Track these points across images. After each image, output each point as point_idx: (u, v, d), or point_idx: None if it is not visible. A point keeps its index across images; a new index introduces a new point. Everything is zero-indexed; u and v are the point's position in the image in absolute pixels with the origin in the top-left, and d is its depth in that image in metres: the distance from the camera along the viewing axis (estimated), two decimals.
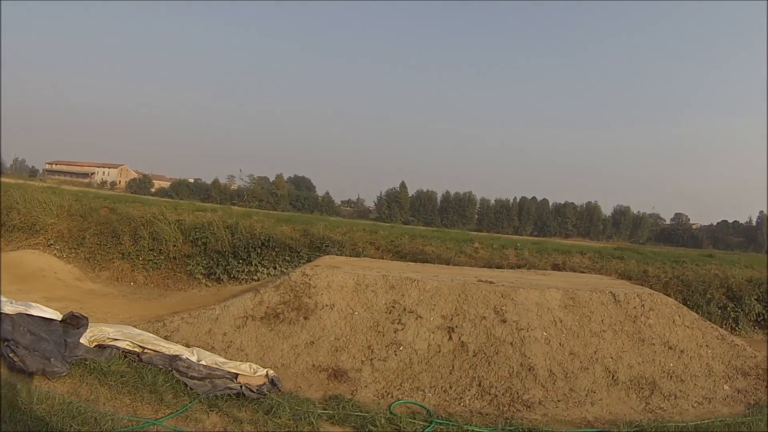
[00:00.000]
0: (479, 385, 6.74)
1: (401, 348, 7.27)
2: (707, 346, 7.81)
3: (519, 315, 7.52)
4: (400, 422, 5.82)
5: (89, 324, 6.50)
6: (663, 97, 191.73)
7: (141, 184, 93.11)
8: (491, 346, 7.18)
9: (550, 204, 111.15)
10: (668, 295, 11.69)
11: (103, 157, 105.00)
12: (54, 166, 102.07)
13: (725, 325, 12.08)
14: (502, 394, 6.63)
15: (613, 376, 7.10)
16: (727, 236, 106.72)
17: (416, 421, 5.92)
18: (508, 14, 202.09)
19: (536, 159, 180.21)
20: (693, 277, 12.90)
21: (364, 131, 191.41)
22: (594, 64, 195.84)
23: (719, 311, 12.40)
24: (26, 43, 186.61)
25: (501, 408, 6.46)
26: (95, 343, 6.46)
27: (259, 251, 12.98)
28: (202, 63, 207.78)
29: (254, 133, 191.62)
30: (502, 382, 6.76)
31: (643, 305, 8.02)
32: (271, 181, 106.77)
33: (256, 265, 12.90)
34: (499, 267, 11.75)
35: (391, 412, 6.12)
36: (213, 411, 5.67)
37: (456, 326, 7.42)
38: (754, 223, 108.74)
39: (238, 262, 13.01)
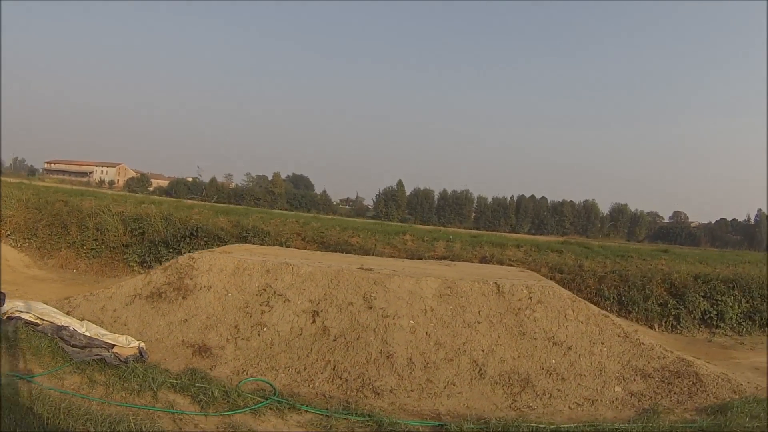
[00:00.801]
0: (333, 369, 6.79)
1: (265, 329, 7.47)
2: (603, 343, 7.49)
3: (388, 302, 7.52)
4: (236, 396, 5.95)
5: (6, 300, 7.64)
6: (662, 96, 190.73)
7: (139, 183, 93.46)
8: (353, 331, 7.22)
9: (549, 202, 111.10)
10: (603, 290, 11.89)
11: (104, 157, 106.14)
12: (53, 165, 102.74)
13: (665, 322, 11.96)
14: (354, 380, 6.66)
15: (480, 370, 6.92)
16: (726, 234, 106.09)
17: (252, 396, 6.03)
18: (508, 14, 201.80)
19: (535, 158, 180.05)
20: (635, 272, 12.77)
21: (363, 130, 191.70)
22: (593, 64, 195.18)
23: (659, 308, 12.18)
24: (26, 43, 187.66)
25: (349, 393, 6.48)
26: (6, 315, 7.38)
27: (188, 240, 13.30)
28: (202, 62, 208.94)
29: (254, 132, 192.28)
30: (357, 368, 6.78)
31: (530, 297, 7.79)
32: (269, 180, 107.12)
33: (184, 253, 12.99)
34: (420, 258, 11.75)
35: (237, 388, 6.26)
36: (77, 373, 6.28)
37: (321, 310, 7.51)
38: (752, 221, 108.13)
39: (168, 251, 13.38)
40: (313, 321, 7.42)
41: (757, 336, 11.76)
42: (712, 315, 12.16)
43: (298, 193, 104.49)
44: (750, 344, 11.04)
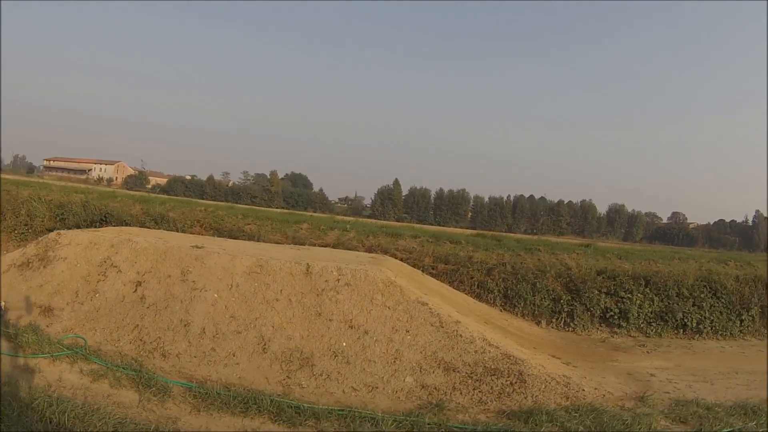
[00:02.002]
0: (138, 332, 7.60)
1: (97, 295, 8.40)
2: (408, 331, 7.36)
3: (201, 276, 8.22)
4: (48, 345, 7.07)
5: None
6: (662, 97, 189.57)
7: (137, 181, 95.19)
8: (164, 300, 7.98)
9: (547, 201, 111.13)
10: (487, 282, 11.75)
11: (104, 154, 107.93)
12: (52, 162, 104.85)
13: (556, 319, 11.48)
14: (151, 342, 7.43)
15: (264, 345, 7.27)
16: (723, 235, 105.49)
17: (60, 346, 7.14)
18: (507, 14, 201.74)
19: (534, 158, 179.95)
20: (534, 265, 12.27)
21: (362, 130, 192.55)
22: (592, 64, 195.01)
23: (550, 303, 11.66)
24: (26, 43, 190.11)
25: (143, 353, 7.26)
26: None
27: (98, 224, 14.19)
28: (202, 63, 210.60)
29: (254, 131, 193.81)
30: (157, 333, 7.54)
31: (338, 280, 7.97)
32: (268, 178, 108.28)
33: None
34: (302, 244, 12.43)
35: (58, 341, 7.30)
36: None
37: (144, 281, 8.34)
38: (750, 222, 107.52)
39: None
40: (135, 290, 8.24)
41: (669, 338, 11.33)
42: (614, 313, 11.56)
43: (294, 192, 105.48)
44: (652, 346, 10.53)
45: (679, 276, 12.17)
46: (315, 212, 76.66)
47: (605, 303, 11.64)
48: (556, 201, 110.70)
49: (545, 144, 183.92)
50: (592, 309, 11.63)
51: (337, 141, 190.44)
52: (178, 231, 12.99)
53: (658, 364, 9.18)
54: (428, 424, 5.75)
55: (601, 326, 11.60)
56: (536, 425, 5.85)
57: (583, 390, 6.90)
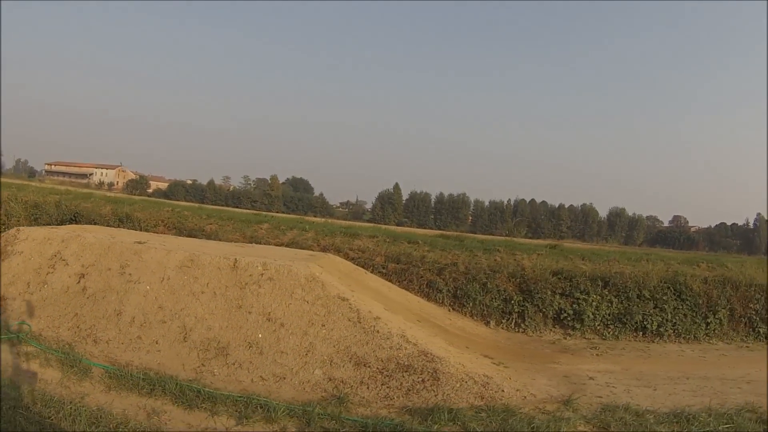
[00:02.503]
0: (77, 320, 8.05)
1: (45, 286, 8.84)
2: (323, 325, 7.55)
3: (138, 270, 8.56)
4: None
5: None
6: (662, 96, 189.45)
7: (138, 185, 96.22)
8: (103, 291, 8.37)
9: (549, 205, 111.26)
10: (437, 282, 11.69)
11: (106, 159, 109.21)
12: (53, 167, 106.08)
13: (506, 319, 11.36)
14: (86, 330, 7.86)
15: (186, 334, 7.60)
16: (724, 238, 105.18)
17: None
18: (507, 14, 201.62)
19: (535, 159, 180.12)
20: (487, 266, 12.16)
21: (362, 133, 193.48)
22: (592, 66, 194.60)
23: (501, 304, 11.49)
24: (24, 42, 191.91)
25: (78, 339, 7.73)
26: None
27: (68, 223, 14.61)
28: (202, 63, 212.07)
29: (255, 133, 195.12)
30: (92, 321, 7.94)
31: (262, 274, 8.23)
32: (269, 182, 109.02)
33: None
34: (258, 243, 12.80)
35: (6, 327, 7.94)
36: None
37: (87, 273, 8.74)
38: (751, 225, 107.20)
39: None
40: (79, 281, 8.63)
41: (627, 341, 11.15)
42: (568, 315, 11.38)
43: (295, 196, 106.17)
44: (605, 349, 10.38)
45: (641, 277, 11.93)
46: (315, 216, 77.13)
47: (559, 304, 11.45)
48: (557, 205, 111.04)
49: (546, 145, 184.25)
50: (544, 310, 11.45)
51: (338, 144, 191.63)
52: (141, 230, 13.39)
53: (603, 367, 9.01)
54: (320, 415, 5.93)
55: (555, 328, 11.48)
56: (435, 423, 5.90)
57: (503, 391, 6.91)
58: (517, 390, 7.05)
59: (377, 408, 6.46)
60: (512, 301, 11.50)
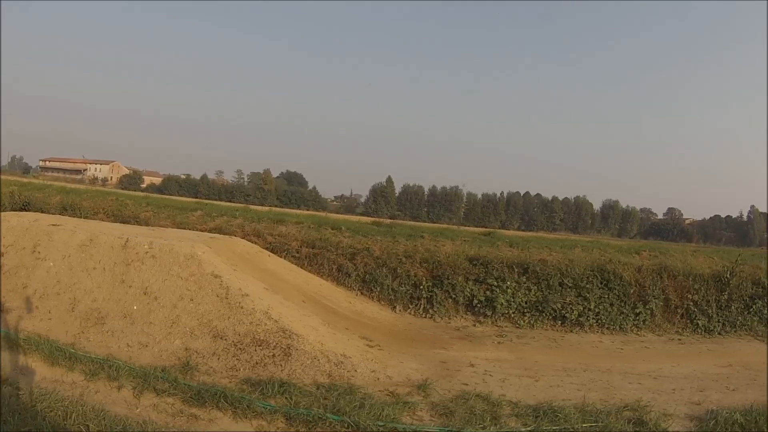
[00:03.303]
0: None
1: None
2: (192, 300, 8.09)
3: (46, 249, 9.22)
4: None
5: None
6: (659, 91, 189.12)
7: (131, 180, 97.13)
8: (16, 268, 9.03)
9: (543, 198, 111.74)
10: (347, 266, 11.99)
11: (102, 154, 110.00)
12: (47, 163, 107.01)
13: (414, 304, 11.41)
14: (4, 296, 8.56)
15: (74, 306, 8.24)
16: (718, 231, 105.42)
17: None
18: (498, 8, 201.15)
19: (529, 153, 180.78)
20: (403, 252, 12.23)
21: (357, 129, 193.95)
22: (586, 59, 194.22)
23: (410, 289, 11.54)
24: (18, 36, 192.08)
25: None
26: None
27: (18, 210, 15.40)
28: (200, 61, 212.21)
29: (252, 130, 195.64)
30: (5, 294, 8.60)
31: (147, 252, 8.84)
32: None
33: None
34: (189, 228, 13.48)
35: None
36: None
37: (6, 252, 9.40)
38: (745, 218, 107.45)
39: None
40: None
41: (543, 330, 10.96)
42: (480, 301, 11.28)
43: (288, 190, 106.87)
44: (513, 337, 10.29)
45: (565, 265, 11.76)
46: (308, 210, 77.77)
47: (471, 290, 11.37)
48: (550, 198, 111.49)
49: (541, 139, 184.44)
50: (455, 296, 11.39)
51: (333, 138, 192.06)
52: (83, 217, 14.08)
53: (496, 355, 8.99)
54: (158, 377, 6.45)
55: (466, 314, 11.38)
56: (263, 394, 6.21)
57: (356, 371, 7.18)
58: (373, 371, 7.32)
59: (220, 378, 6.84)
60: (421, 287, 11.51)
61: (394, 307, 11.53)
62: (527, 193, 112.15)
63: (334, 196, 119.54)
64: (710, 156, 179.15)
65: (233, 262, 9.67)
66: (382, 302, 11.62)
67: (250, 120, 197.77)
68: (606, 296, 11.47)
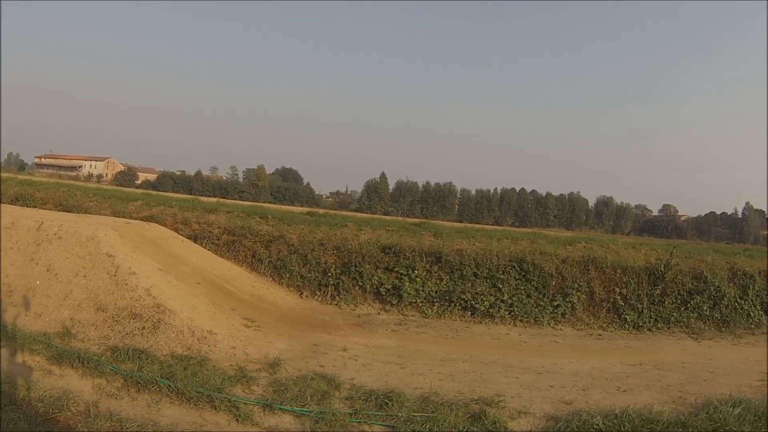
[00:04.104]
0: None
1: None
2: (85, 276, 8.70)
3: None
4: None
5: None
6: (657, 87, 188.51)
7: (126, 177, 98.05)
8: None
9: (538, 194, 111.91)
10: (261, 253, 12.34)
11: (97, 151, 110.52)
12: (43, 159, 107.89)
13: (322, 291, 11.65)
14: None
15: None
16: (713, 228, 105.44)
17: None
18: (493, 8, 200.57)
19: (526, 150, 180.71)
20: (318, 239, 12.46)
21: (352, 126, 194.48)
22: (582, 58, 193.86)
23: (319, 276, 11.81)
24: (17, 40, 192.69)
25: None
26: None
27: None
28: (196, 59, 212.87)
29: (244, 125, 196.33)
30: None
31: (55, 234, 9.36)
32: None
33: None
34: (123, 217, 13.94)
35: None
36: None
37: None
38: (740, 214, 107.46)
39: None
40: None
41: (452, 320, 10.98)
42: (387, 289, 11.38)
43: (282, 186, 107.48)
44: (413, 326, 10.37)
45: (481, 255, 11.70)
46: (302, 206, 78.36)
47: (380, 279, 11.48)
48: (544, 194, 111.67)
49: (535, 134, 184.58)
50: (362, 284, 11.52)
51: (329, 134, 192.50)
52: (33, 207, 14.50)
53: (379, 342, 9.17)
54: (33, 340, 7.10)
55: (374, 302, 11.49)
56: (116, 359, 6.76)
57: (216, 346, 7.68)
58: (233, 348, 7.80)
59: (91, 345, 7.37)
60: (329, 274, 11.72)
61: (302, 293, 11.82)
62: (522, 189, 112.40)
63: (330, 193, 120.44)
64: (706, 151, 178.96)
65: (136, 245, 10.15)
66: (291, 288, 11.93)
67: (248, 117, 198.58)
68: (522, 288, 11.40)
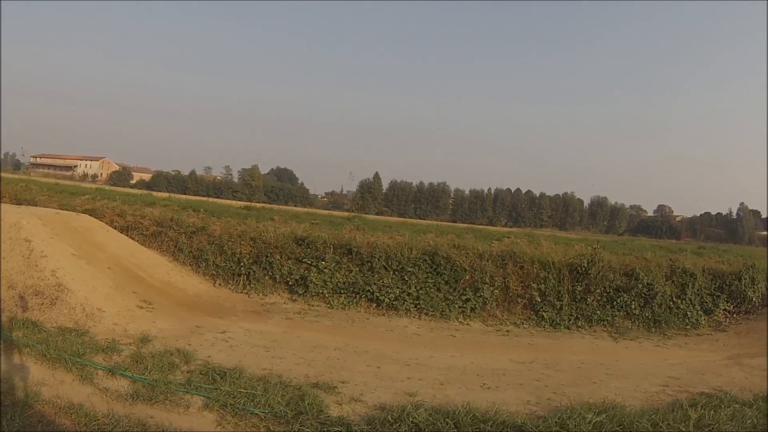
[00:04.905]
0: None
1: None
2: (4, 258, 9.24)
3: None
4: None
5: None
6: (650, 86, 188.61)
7: (121, 176, 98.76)
8: None
9: (533, 194, 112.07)
10: (183, 243, 12.95)
11: (92, 151, 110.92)
12: (39, 159, 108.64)
13: (235, 281, 12.08)
14: None
15: None
16: (708, 228, 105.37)
17: None
18: (486, 9, 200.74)
19: (520, 151, 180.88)
20: (241, 231, 12.97)
21: (346, 126, 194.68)
22: (576, 57, 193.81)
23: (233, 266, 12.24)
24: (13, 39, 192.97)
25: None
26: None
27: None
28: (193, 56, 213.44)
29: (238, 125, 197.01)
30: None
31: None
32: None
33: None
34: (69, 210, 14.28)
35: None
36: None
37: None
38: (734, 215, 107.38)
39: None
40: None
41: (356, 311, 11.25)
42: (295, 280, 11.78)
43: (276, 186, 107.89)
44: (311, 316, 10.73)
45: (393, 248, 11.91)
46: (296, 206, 78.80)
47: (289, 269, 11.85)
48: (538, 194, 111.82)
49: (530, 135, 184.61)
50: (272, 274, 11.89)
51: (326, 134, 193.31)
52: None
53: (263, 328, 9.56)
54: None
55: (283, 292, 11.86)
56: (11, 329, 7.42)
57: (100, 322, 8.43)
58: (115, 324, 8.50)
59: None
60: (242, 264, 12.18)
61: (215, 281, 12.30)
62: (518, 189, 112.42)
63: (325, 193, 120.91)
64: (704, 153, 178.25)
65: (56, 232, 10.74)
66: (206, 276, 12.42)
67: (246, 118, 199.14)
68: (432, 281, 11.49)
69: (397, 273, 11.61)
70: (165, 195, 23.22)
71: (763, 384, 7.43)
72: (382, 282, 11.47)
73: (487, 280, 11.45)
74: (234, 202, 26.12)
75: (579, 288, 11.51)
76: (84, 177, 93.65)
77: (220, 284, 12.27)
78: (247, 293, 11.96)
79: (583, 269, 11.58)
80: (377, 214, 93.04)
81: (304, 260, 11.97)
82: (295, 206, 78.11)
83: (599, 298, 11.48)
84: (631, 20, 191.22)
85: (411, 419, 5.12)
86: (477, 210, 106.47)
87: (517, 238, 14.74)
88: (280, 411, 5.41)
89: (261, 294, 11.91)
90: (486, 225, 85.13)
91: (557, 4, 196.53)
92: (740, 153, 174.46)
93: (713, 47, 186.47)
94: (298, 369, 7.24)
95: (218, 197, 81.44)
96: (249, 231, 12.87)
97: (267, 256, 12.10)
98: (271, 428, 5.21)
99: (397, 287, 11.40)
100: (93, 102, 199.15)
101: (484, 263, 11.71)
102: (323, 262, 11.81)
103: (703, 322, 11.47)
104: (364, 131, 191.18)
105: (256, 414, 5.38)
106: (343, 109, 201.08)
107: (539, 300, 11.38)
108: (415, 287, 11.39)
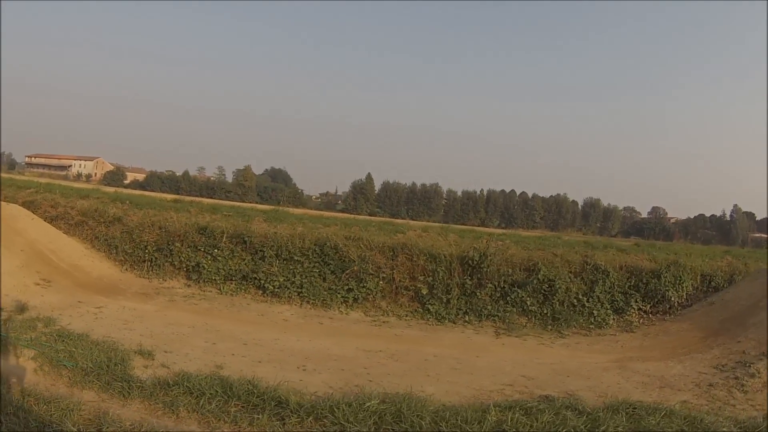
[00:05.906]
0: None
1: None
2: None
3: None
4: None
5: None
6: (645, 86, 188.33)
7: (115, 176, 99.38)
8: None
9: (527, 195, 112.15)
10: (101, 232, 13.45)
11: (89, 151, 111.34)
12: (33, 159, 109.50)
13: (140, 265, 12.59)
14: None
15: None
16: (701, 230, 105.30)
17: None
18: (479, 9, 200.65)
19: (517, 150, 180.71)
20: (155, 221, 13.48)
21: (341, 126, 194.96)
22: (570, 56, 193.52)
23: (141, 252, 12.75)
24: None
25: None
26: None
27: None
28: (190, 56, 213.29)
29: (233, 126, 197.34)
30: None
31: None
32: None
33: None
34: (12, 203, 14.64)
35: None
36: None
37: None
38: (728, 217, 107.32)
39: None
40: None
41: (242, 297, 11.56)
42: (192, 267, 12.36)
43: (269, 186, 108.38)
44: (197, 299, 11.15)
45: (285, 238, 12.27)
46: (288, 207, 78.99)
47: (187, 256, 12.41)
48: (531, 195, 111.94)
49: (524, 135, 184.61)
50: (172, 260, 12.52)
51: (319, 135, 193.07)
52: None
53: (140, 307, 10.10)
54: None
55: (182, 278, 12.40)
56: None
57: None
58: (6, 295, 8.84)
59: None
60: (146, 251, 12.81)
61: (123, 267, 12.84)
62: (512, 191, 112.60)
63: (319, 194, 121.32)
64: (699, 155, 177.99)
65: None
66: (116, 262, 12.96)
67: (244, 117, 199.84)
68: (317, 271, 11.70)
69: (285, 262, 11.98)
70: (112, 190, 23.48)
71: (633, 390, 7.00)
72: (269, 270, 11.87)
73: (372, 271, 11.53)
74: (166, 196, 26.46)
75: (470, 282, 11.44)
76: (78, 177, 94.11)
77: (126, 269, 12.79)
78: (149, 278, 12.46)
79: (475, 263, 11.50)
80: (369, 214, 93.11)
81: (200, 248, 12.55)
82: (287, 207, 78.56)
83: (492, 292, 11.33)
84: (624, 20, 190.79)
85: (186, 384, 5.53)
86: (469, 211, 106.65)
87: (457, 235, 14.46)
88: (86, 366, 5.93)
89: (161, 279, 12.44)
90: (478, 226, 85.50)
91: (552, 4, 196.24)
92: (736, 155, 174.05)
93: (707, 48, 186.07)
94: (138, 339, 7.63)
95: (211, 197, 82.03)
96: (159, 221, 13.44)
97: (168, 244, 12.74)
98: (71, 378, 5.70)
99: (282, 275, 11.74)
100: (89, 99, 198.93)
101: (371, 254, 11.84)
102: (217, 250, 12.37)
103: (612, 322, 11.02)
104: (364, 131, 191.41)
105: (64, 365, 5.94)
106: (343, 109, 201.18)
107: (426, 293, 11.30)
108: (300, 276, 11.70)
